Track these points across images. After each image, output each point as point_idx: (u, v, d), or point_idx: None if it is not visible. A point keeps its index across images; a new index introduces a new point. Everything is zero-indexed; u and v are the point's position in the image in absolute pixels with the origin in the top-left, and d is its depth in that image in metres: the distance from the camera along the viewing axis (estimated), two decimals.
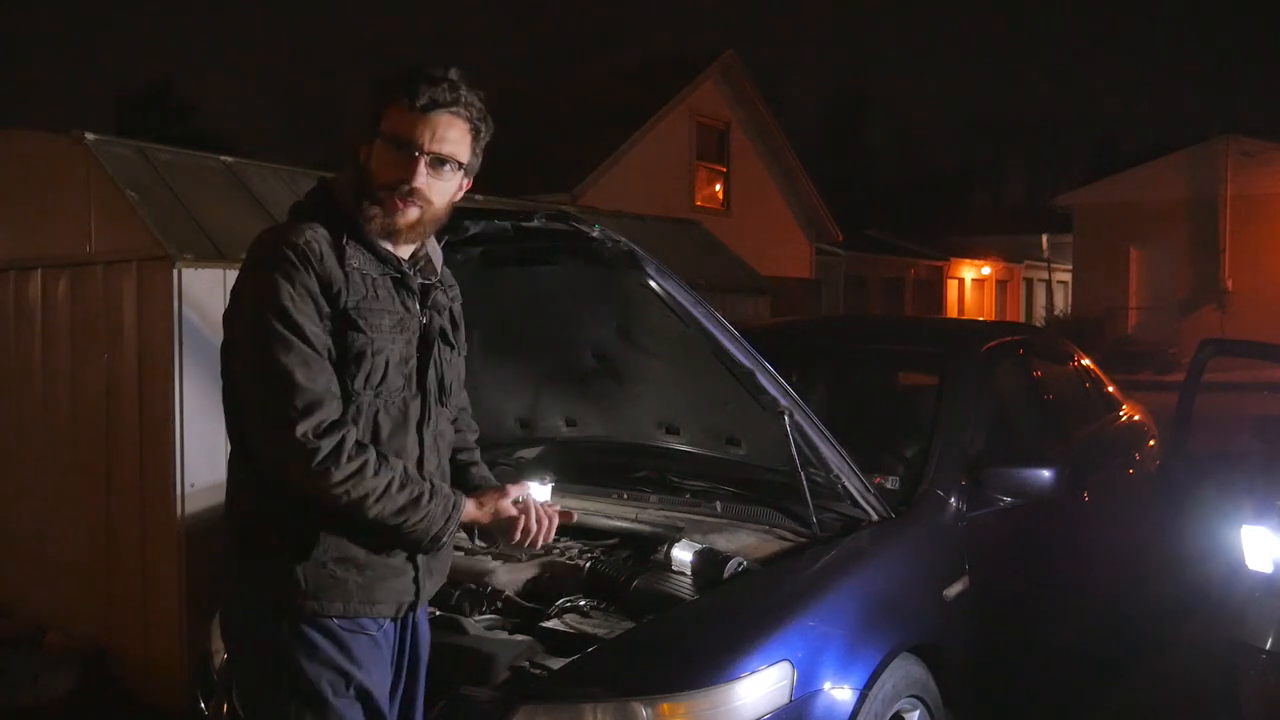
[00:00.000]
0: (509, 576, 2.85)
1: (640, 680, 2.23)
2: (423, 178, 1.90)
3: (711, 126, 17.25)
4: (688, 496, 3.26)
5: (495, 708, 2.22)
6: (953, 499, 3.13)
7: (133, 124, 28.78)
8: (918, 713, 2.74)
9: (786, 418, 2.76)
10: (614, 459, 3.52)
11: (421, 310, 2.02)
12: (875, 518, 2.92)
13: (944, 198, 42.47)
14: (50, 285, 4.30)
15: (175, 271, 3.72)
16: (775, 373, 2.76)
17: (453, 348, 2.12)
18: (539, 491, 3.06)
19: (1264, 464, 4.28)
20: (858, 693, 2.45)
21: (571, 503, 3.28)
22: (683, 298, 2.63)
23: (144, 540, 3.95)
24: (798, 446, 2.81)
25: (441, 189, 1.95)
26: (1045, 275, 30.83)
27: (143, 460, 3.92)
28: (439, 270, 2.09)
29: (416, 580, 2.00)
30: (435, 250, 2.11)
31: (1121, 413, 5.02)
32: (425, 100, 1.89)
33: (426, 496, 1.89)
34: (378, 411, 1.92)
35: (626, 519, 3.17)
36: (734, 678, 2.24)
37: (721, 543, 2.88)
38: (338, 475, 1.79)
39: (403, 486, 1.86)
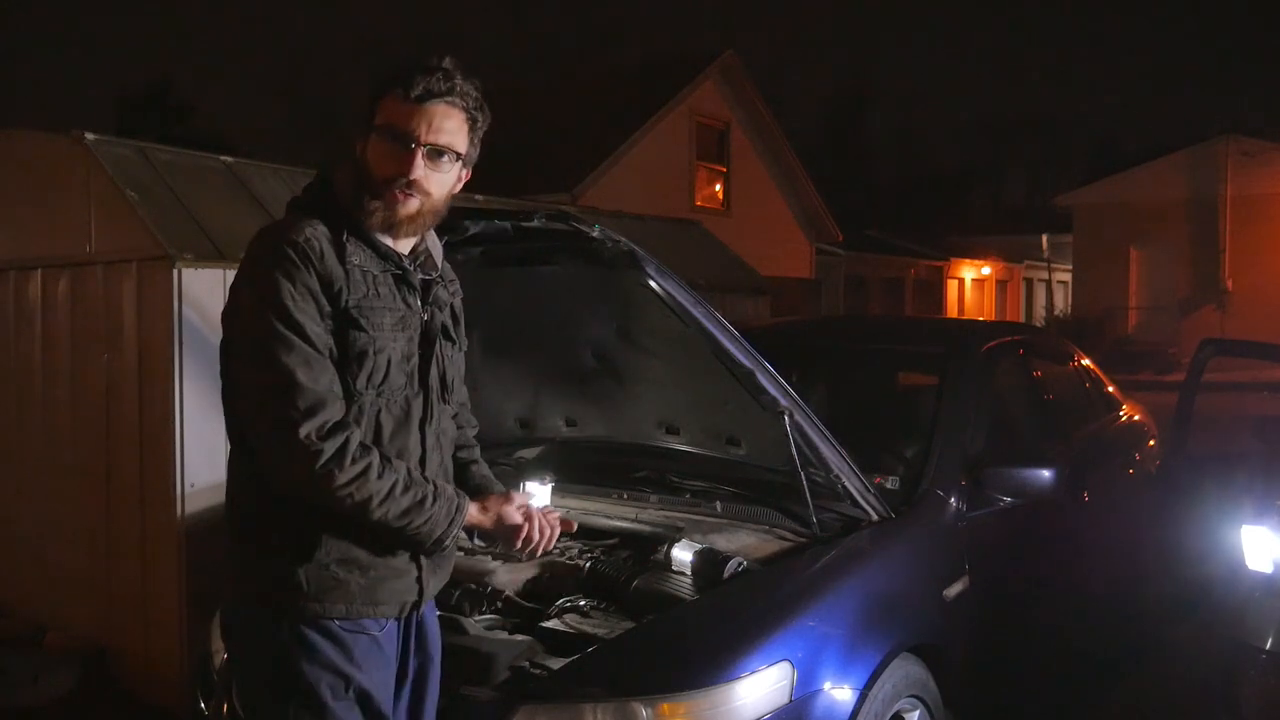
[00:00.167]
0: (509, 576, 2.85)
1: (640, 680, 2.23)
2: (420, 170, 1.88)
3: (711, 126, 17.25)
4: (688, 496, 3.25)
5: (495, 708, 2.22)
6: (953, 499, 3.13)
7: (133, 124, 28.79)
8: (918, 713, 2.74)
9: (786, 418, 2.76)
10: (614, 459, 3.52)
11: (423, 306, 2.00)
12: (875, 518, 2.92)
13: (944, 198, 42.49)
14: (50, 285, 4.30)
15: (175, 271, 3.72)
16: (775, 373, 2.76)
17: (454, 343, 2.10)
18: (539, 492, 3.07)
19: (1264, 464, 4.28)
20: (858, 693, 2.45)
21: (571, 503, 3.28)
22: (683, 298, 2.63)
23: (144, 540, 3.95)
24: (798, 446, 2.81)
25: (440, 180, 1.93)
26: (1045, 275, 30.83)
27: (143, 460, 3.92)
28: (439, 265, 2.07)
29: (420, 580, 1.98)
30: (435, 245, 2.09)
31: (1121, 413, 5.02)
32: (420, 90, 1.86)
33: (430, 500, 1.88)
34: (380, 411, 1.90)
35: (626, 519, 3.17)
36: (734, 678, 2.24)
37: (721, 543, 2.88)
38: (342, 478, 1.77)
39: (406, 489, 1.85)
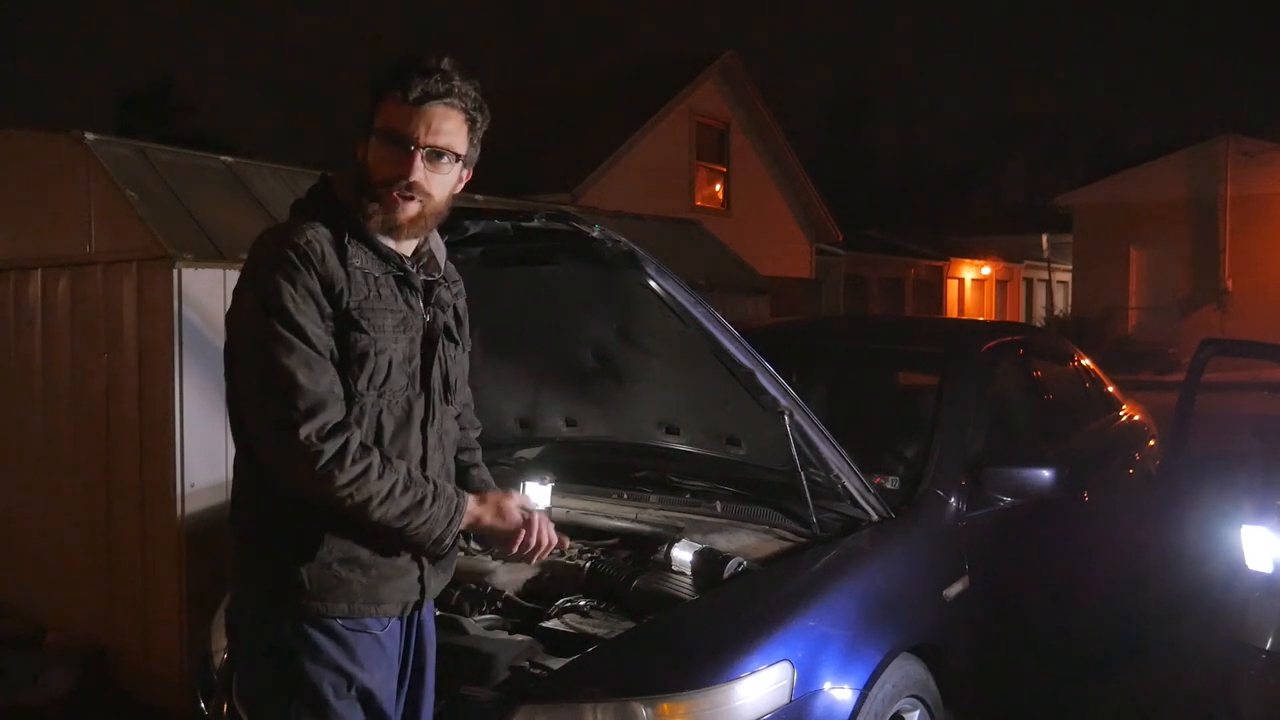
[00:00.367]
0: (509, 576, 2.85)
1: (640, 680, 2.23)
2: (420, 172, 1.88)
3: (711, 126, 17.25)
4: (688, 496, 3.26)
5: (495, 708, 2.22)
6: (953, 499, 3.13)
7: (133, 124, 28.77)
8: (918, 713, 2.74)
9: (786, 418, 2.76)
10: (614, 459, 3.52)
11: (425, 308, 2.00)
12: (875, 518, 2.92)
13: (944, 198, 42.45)
14: (50, 285, 4.30)
15: (175, 271, 3.72)
16: (775, 373, 2.76)
17: (457, 344, 2.10)
18: (539, 492, 3.07)
19: (1264, 464, 4.28)
20: (858, 693, 2.45)
21: (571, 503, 3.28)
22: (683, 298, 2.63)
23: (144, 540, 3.95)
24: (798, 446, 2.81)
25: (441, 182, 1.93)
26: (1045, 275, 30.82)
27: (143, 460, 3.92)
28: (442, 266, 2.07)
29: (422, 579, 1.99)
30: (439, 246, 2.09)
31: (1121, 413, 5.02)
32: (418, 93, 1.86)
33: (429, 499, 1.88)
34: (381, 412, 1.91)
35: (626, 519, 3.17)
36: (734, 678, 2.24)
37: (721, 543, 2.88)
38: (341, 479, 1.77)
39: (406, 489, 1.85)
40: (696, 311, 2.65)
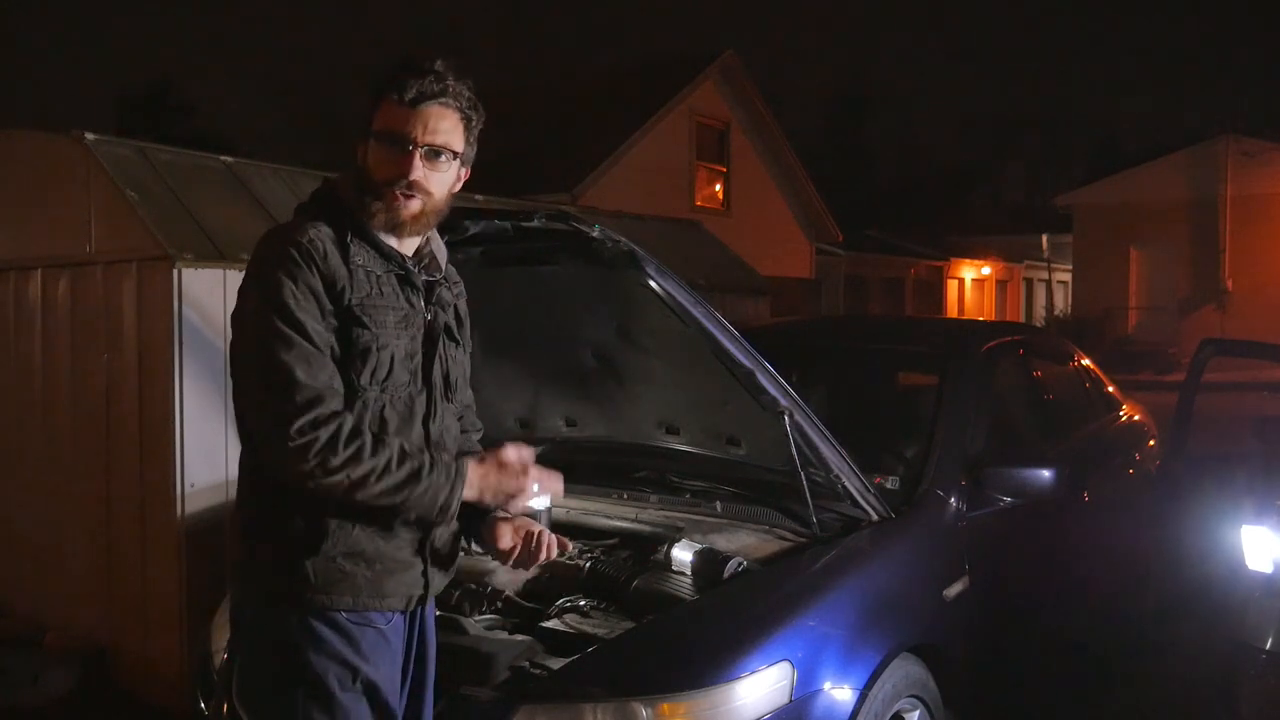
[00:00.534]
0: (509, 576, 2.85)
1: (640, 680, 2.24)
2: (419, 170, 1.92)
3: (711, 126, 17.25)
4: (688, 496, 3.26)
5: (495, 708, 2.22)
6: (953, 499, 3.13)
7: (133, 124, 28.79)
8: (918, 713, 2.74)
9: (786, 418, 2.76)
10: (614, 459, 3.52)
11: (426, 306, 2.04)
12: (875, 518, 2.92)
13: (944, 198, 42.42)
14: (50, 285, 4.30)
15: (175, 271, 3.72)
16: (775, 373, 2.76)
17: (458, 344, 2.13)
18: (539, 494, 3.06)
19: (1264, 464, 4.28)
20: (858, 693, 2.45)
21: (571, 503, 3.28)
22: (683, 298, 2.63)
23: (144, 540, 3.95)
24: (798, 446, 2.81)
25: (440, 180, 1.97)
26: (1045, 275, 30.82)
27: (143, 460, 3.92)
28: (443, 267, 2.11)
29: (425, 574, 2.01)
30: (440, 247, 2.13)
31: (1121, 413, 5.02)
32: (413, 94, 1.91)
33: (427, 468, 1.90)
34: (384, 406, 1.93)
35: (626, 519, 3.17)
36: (734, 678, 2.24)
37: (721, 543, 2.88)
38: (335, 461, 1.80)
39: (401, 462, 1.87)
40: (696, 311, 2.65)
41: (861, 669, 2.49)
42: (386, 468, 1.84)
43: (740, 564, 2.71)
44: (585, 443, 3.59)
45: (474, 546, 2.17)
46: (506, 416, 3.54)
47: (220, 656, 2.75)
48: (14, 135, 4.59)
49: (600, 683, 2.24)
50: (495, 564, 2.91)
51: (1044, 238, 28.71)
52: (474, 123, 2.00)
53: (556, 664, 2.35)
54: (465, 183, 2.07)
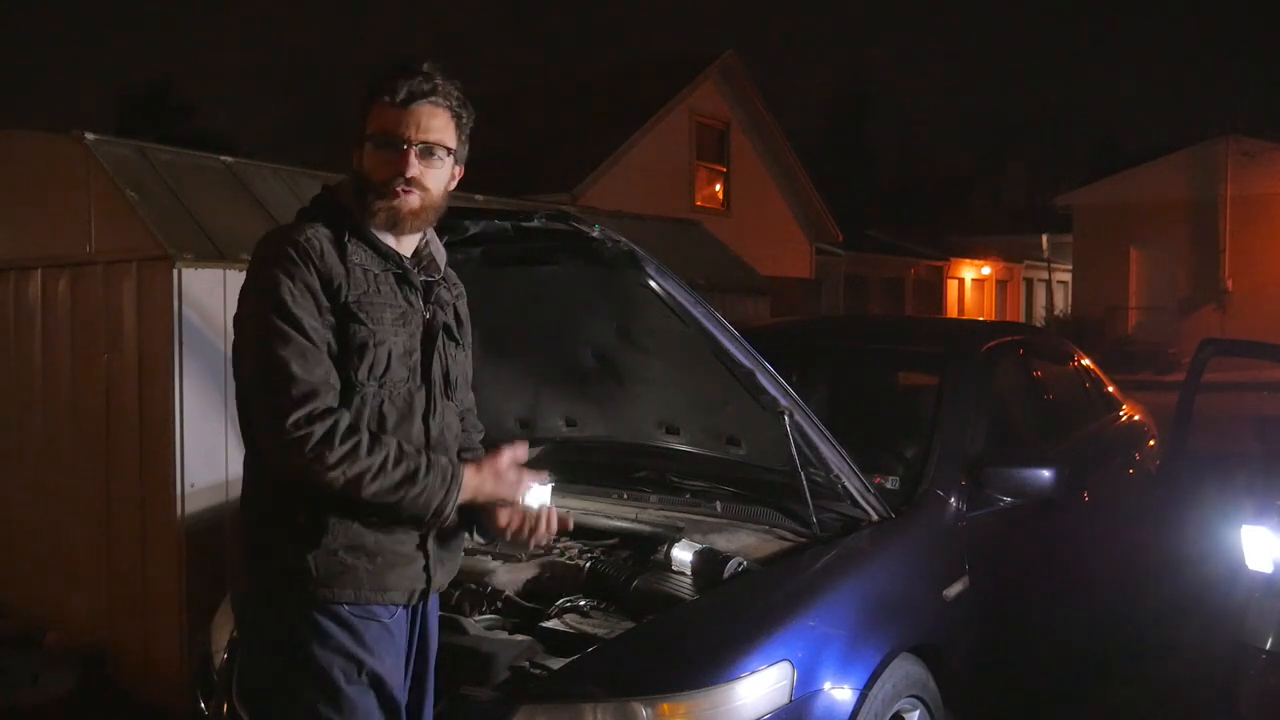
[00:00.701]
0: (509, 576, 2.85)
1: (640, 680, 2.24)
2: (415, 167, 1.97)
3: (711, 126, 17.24)
4: (688, 496, 3.26)
5: (495, 708, 2.22)
6: (953, 499, 3.13)
7: (133, 124, 28.77)
8: (918, 713, 2.74)
9: (786, 418, 2.76)
10: (614, 459, 3.53)
11: (425, 305, 2.06)
12: (875, 518, 2.92)
13: (944, 198, 42.38)
14: (50, 285, 4.30)
15: (175, 271, 3.72)
16: (775, 373, 2.76)
17: (458, 344, 2.15)
18: (539, 493, 3.06)
19: (1264, 464, 4.28)
20: (858, 693, 2.45)
21: (571, 503, 3.28)
22: (683, 298, 2.63)
23: (144, 540, 3.95)
24: (798, 446, 2.81)
25: (436, 176, 2.01)
26: (1045, 275, 30.81)
27: (143, 460, 3.92)
28: (442, 268, 2.14)
29: (428, 569, 2.02)
30: (439, 249, 2.15)
31: (1121, 413, 5.02)
32: (404, 94, 1.96)
33: (423, 470, 1.91)
34: (383, 402, 1.95)
35: (626, 519, 3.17)
36: (734, 678, 2.24)
37: (721, 543, 2.88)
38: (332, 458, 1.82)
39: (398, 462, 1.89)
40: (696, 311, 2.65)
41: (861, 669, 2.49)
42: (382, 467, 1.86)
43: (740, 564, 2.71)
44: (585, 443, 3.59)
45: (475, 536, 2.17)
46: (506, 416, 3.54)
47: (220, 656, 2.75)
48: (14, 135, 4.60)
49: (600, 683, 2.24)
50: (495, 564, 2.92)
51: (1044, 238, 28.70)
52: (464, 120, 2.05)
53: (556, 664, 2.35)
54: (464, 183, 2.11)
